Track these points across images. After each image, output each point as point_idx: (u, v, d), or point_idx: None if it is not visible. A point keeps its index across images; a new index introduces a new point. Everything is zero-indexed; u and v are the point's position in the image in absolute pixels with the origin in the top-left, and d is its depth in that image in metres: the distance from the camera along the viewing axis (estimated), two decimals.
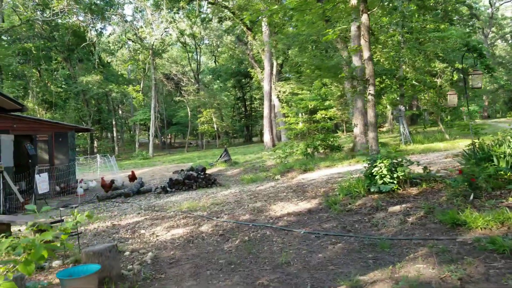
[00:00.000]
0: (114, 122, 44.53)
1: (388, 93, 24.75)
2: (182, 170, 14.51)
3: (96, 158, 22.72)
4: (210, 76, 55.47)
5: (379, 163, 7.49)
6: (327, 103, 14.74)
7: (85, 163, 27.94)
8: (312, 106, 14.19)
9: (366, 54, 7.90)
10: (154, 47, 38.98)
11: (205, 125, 44.47)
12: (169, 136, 61.14)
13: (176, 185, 13.26)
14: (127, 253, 6.11)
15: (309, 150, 14.21)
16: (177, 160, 29.81)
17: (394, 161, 7.69)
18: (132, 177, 16.89)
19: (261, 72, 36.21)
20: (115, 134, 44.90)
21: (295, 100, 15.03)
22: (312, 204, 7.91)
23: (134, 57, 43.25)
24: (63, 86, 43.15)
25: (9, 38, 38.67)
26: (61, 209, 6.37)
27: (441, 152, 13.94)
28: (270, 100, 27.58)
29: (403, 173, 7.48)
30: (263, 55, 32.00)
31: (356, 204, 7.20)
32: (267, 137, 27.29)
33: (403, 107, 17.31)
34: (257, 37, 32.72)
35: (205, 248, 6.03)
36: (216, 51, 57.23)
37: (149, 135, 39.72)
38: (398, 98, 18.84)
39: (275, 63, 33.42)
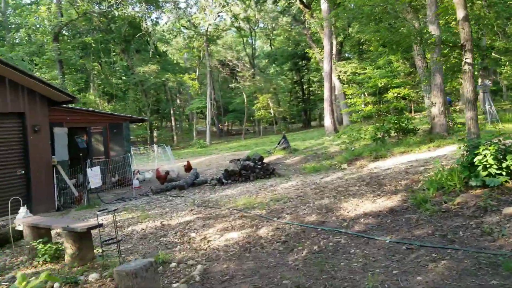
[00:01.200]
0: (172, 112, 44.88)
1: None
2: (238, 160, 13.50)
3: (154, 148, 22.47)
4: (266, 60, 54.16)
5: (483, 149, 5.83)
6: (397, 80, 12.91)
7: (145, 152, 28.11)
8: (383, 84, 12.43)
9: (461, 13, 6.20)
10: (208, 33, 38.37)
11: (262, 111, 43.42)
12: (226, 124, 61.00)
13: (232, 176, 12.27)
14: (173, 264, 5.11)
15: (379, 134, 12.52)
16: (234, 148, 29.10)
17: (501, 146, 6.00)
18: (188, 168, 16.24)
19: (320, 52, 34.26)
20: (173, 123, 45.32)
21: (362, 78, 13.30)
22: (394, 202, 6.44)
23: (189, 45, 43.02)
24: (122, 78, 44.14)
25: (69, 33, 40.05)
26: (97, 212, 5.48)
27: None
28: (331, 81, 25.75)
29: None
30: (322, 34, 30.02)
31: (455, 203, 5.64)
32: (328, 121, 25.56)
33: (489, 81, 14.90)
34: (315, 14, 30.80)
35: (265, 261, 4.85)
36: (271, 34, 55.63)
37: (206, 123, 39.46)
38: (480, 72, 16.37)
39: (334, 42, 31.35)
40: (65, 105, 13.04)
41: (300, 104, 56.37)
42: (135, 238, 6.69)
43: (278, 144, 19.19)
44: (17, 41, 37.46)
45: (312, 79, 58.03)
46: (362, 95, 13.77)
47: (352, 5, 22.16)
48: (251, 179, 12.20)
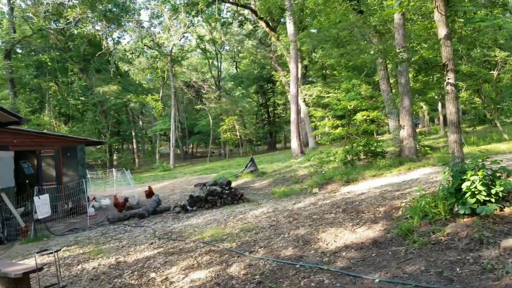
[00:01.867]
0: (134, 133, 43.38)
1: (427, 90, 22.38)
2: (204, 184, 12.73)
3: (113, 172, 21.21)
4: (232, 83, 53.94)
5: (471, 175, 5.44)
6: (365, 103, 12.70)
7: (103, 176, 26.60)
8: (352, 106, 12.16)
9: (443, 31, 5.93)
10: (172, 53, 37.69)
11: (228, 133, 42.87)
12: (191, 146, 59.83)
13: (197, 202, 11.45)
14: None
15: (348, 157, 12.16)
16: (199, 171, 28.16)
17: (488, 170, 5.64)
18: (149, 193, 15.28)
19: (286, 75, 34.38)
20: (135, 146, 43.75)
21: (330, 100, 13.00)
22: (376, 232, 5.90)
23: (152, 65, 42.10)
24: (80, 98, 42.37)
25: (24, 50, 38.17)
26: (36, 254, 4.58)
27: (506, 155, 11.68)
28: (297, 104, 25.60)
29: (502, 188, 5.42)
30: (288, 57, 30.12)
31: (445, 234, 5.16)
32: (294, 144, 25.27)
33: None
34: (281, 38, 30.93)
35: None
36: (237, 57, 55.74)
37: (170, 145, 38.30)
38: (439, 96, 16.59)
39: (299, 66, 31.53)
40: (12, 127, 11.88)
41: (266, 126, 56.27)
42: (84, 279, 5.75)
43: (246, 167, 18.55)
44: None
45: (277, 102, 58.26)
46: (330, 117, 13.43)
47: (317, 30, 22.27)
48: (218, 206, 11.43)
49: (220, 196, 11.64)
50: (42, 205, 10.19)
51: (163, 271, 5.60)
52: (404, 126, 12.39)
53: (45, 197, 10.33)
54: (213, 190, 11.63)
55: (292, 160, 23.31)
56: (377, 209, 7.15)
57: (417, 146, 13.09)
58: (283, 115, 58.50)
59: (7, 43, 31.11)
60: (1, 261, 5.18)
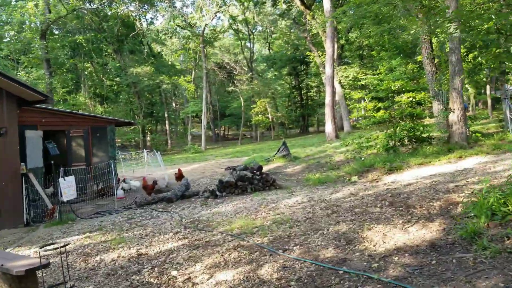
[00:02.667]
0: (166, 115, 43.38)
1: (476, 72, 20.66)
2: (234, 169, 12.09)
3: (144, 154, 20.99)
4: (264, 64, 52.83)
5: None
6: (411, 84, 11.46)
7: (136, 157, 26.57)
8: (397, 87, 11.03)
9: None
10: (205, 34, 37.03)
11: (259, 116, 42.10)
12: (222, 128, 59.60)
13: (227, 188, 10.83)
14: None
15: (391, 143, 11.12)
16: (230, 154, 27.67)
17: None
18: (179, 176, 14.84)
19: (321, 55, 33.05)
20: (167, 127, 43.79)
21: (371, 80, 11.90)
22: (433, 232, 5.03)
23: (185, 46, 41.65)
24: (115, 79, 42.65)
25: (60, 32, 38.55)
26: (39, 250, 4.04)
27: None
28: (333, 85, 24.42)
29: None
30: (324, 36, 28.81)
31: None
32: (329, 127, 24.22)
33: (511, 86, 13.64)
34: (316, 16, 29.56)
35: None
36: (270, 38, 54.42)
37: (201, 127, 38.00)
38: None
39: (336, 46, 30.09)
40: (40, 106, 11.59)
41: (298, 109, 55.07)
42: (100, 274, 5.22)
43: (278, 151, 17.79)
44: (6, 40, 35.95)
45: (310, 84, 56.81)
46: (368, 99, 12.33)
47: (356, 6, 20.90)
48: (249, 192, 10.78)
49: (251, 181, 10.97)
50: (67, 187, 9.86)
51: (186, 269, 4.98)
52: (454, 109, 11.19)
53: (71, 179, 9.99)
54: (243, 175, 10.97)
55: (326, 144, 22.35)
56: (431, 204, 6.23)
57: (467, 132, 11.86)
58: (316, 98, 57.06)
59: (42, 23, 31.32)
60: (5, 253, 4.71)
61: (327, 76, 24.09)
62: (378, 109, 11.75)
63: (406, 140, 11.01)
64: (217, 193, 10.71)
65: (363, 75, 35.05)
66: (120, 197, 13.11)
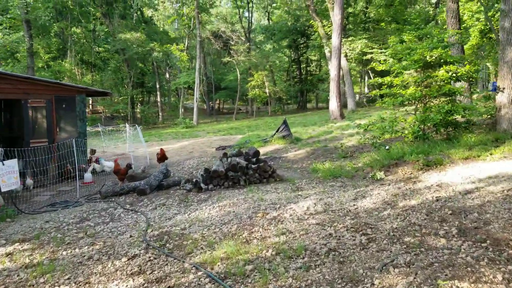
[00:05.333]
0: (158, 86, 40.62)
1: None
2: (225, 154, 9.79)
3: (126, 128, 18.60)
4: (263, 35, 49.71)
5: None
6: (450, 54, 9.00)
7: (121, 130, 24.15)
8: (434, 58, 8.62)
9: None
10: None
11: (256, 89, 39.52)
12: (217, 102, 56.91)
13: (215, 179, 8.58)
14: None
15: (423, 129, 8.81)
16: (223, 130, 25.32)
17: None
18: (161, 157, 12.59)
19: (324, 26, 30.31)
20: (159, 99, 41.12)
21: (400, 50, 9.46)
22: None
23: (178, 11, 38.51)
24: (104, 45, 39.64)
25: None
26: None
27: None
28: (340, 58, 21.86)
29: None
30: (330, 3, 26.04)
31: None
32: (333, 105, 21.86)
33: None
34: None
35: None
36: (269, 7, 51.11)
37: (194, 100, 35.42)
38: None
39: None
40: None
41: (297, 84, 52.38)
42: None
43: (277, 130, 15.49)
44: None
45: (311, 58, 53.94)
46: (396, 74, 9.93)
47: None
48: (241, 185, 8.55)
49: (245, 172, 8.72)
50: (7, 173, 7.56)
51: None
52: (503, 88, 8.89)
53: (12, 164, 7.67)
54: (235, 163, 8.70)
55: (331, 124, 20.07)
56: None
57: None
58: (316, 72, 54.35)
59: None
60: None
61: (334, 48, 21.52)
62: (408, 85, 9.36)
63: (441, 126, 8.72)
64: (202, 185, 8.47)
65: (370, 49, 32.47)
66: (87, 181, 10.89)
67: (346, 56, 28.92)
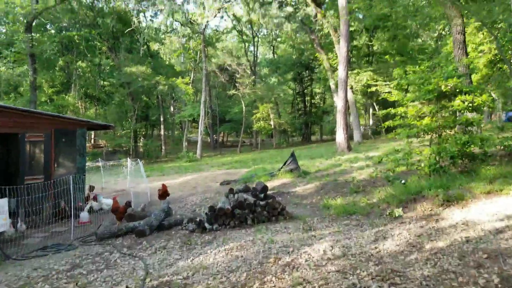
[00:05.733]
0: (162, 119, 40.52)
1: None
2: (231, 190, 9.23)
3: (127, 163, 18.14)
4: (268, 69, 50.08)
5: None
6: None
7: (124, 165, 23.72)
8: (449, 88, 8.17)
9: None
10: (206, 35, 34.36)
11: (261, 122, 39.29)
12: (222, 135, 56.74)
13: (220, 217, 7.99)
14: None
15: (440, 162, 8.26)
16: (227, 163, 24.80)
17: None
18: (163, 193, 12.08)
19: (330, 58, 30.36)
20: (162, 132, 40.92)
21: (413, 79, 9.06)
22: None
23: (184, 45, 38.94)
24: (108, 79, 39.88)
25: (51, 27, 35.84)
26: None
27: None
28: (346, 90, 21.58)
29: None
30: (335, 37, 26.12)
31: None
32: (340, 137, 21.40)
33: None
34: (327, 14, 26.89)
35: None
36: (274, 41, 51.77)
37: (198, 133, 35.13)
38: None
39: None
40: None
41: (302, 116, 52.29)
42: None
43: (284, 164, 14.95)
44: None
45: (315, 91, 54.12)
46: (415, 102, 9.49)
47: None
48: (249, 224, 7.96)
49: (253, 209, 8.14)
50: None
51: None
52: None
53: (1, 203, 7.15)
54: (242, 200, 8.13)
55: (338, 156, 19.51)
56: None
57: None
58: (321, 105, 54.36)
59: (28, 14, 28.59)
60: None
61: (340, 80, 21.30)
62: (422, 116, 8.89)
63: (458, 158, 8.17)
64: (206, 225, 7.87)
65: (374, 81, 32.37)
66: (83, 221, 10.31)
67: (351, 88, 28.74)
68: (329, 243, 5.64)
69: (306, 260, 5.02)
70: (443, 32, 34.92)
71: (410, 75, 9.68)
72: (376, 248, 5.14)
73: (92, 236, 8.47)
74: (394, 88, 31.15)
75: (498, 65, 13.19)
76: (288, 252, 5.49)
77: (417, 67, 10.30)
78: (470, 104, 8.34)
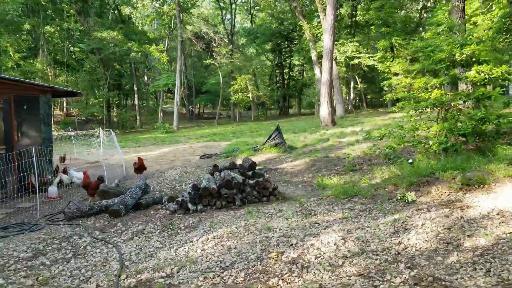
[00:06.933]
0: (136, 88, 38.66)
1: None
2: (215, 166, 8.29)
3: (100, 133, 16.83)
4: (245, 38, 48.37)
5: None
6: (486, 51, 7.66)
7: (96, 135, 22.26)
8: (465, 56, 7.35)
9: None
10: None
11: (240, 94, 38.11)
12: (198, 106, 55.17)
13: (204, 197, 7.08)
14: None
15: (451, 140, 7.52)
16: (206, 136, 23.77)
17: None
18: (139, 167, 11.13)
19: (314, 27, 29.24)
20: (136, 102, 39.17)
21: (420, 46, 8.19)
22: None
23: (158, 10, 36.78)
24: (78, 45, 37.46)
25: None
26: None
27: None
28: (332, 60, 20.67)
29: None
30: (320, 4, 24.94)
31: None
32: (324, 111, 20.63)
33: None
34: None
35: None
36: (253, 10, 49.85)
37: (174, 104, 33.69)
38: None
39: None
40: None
41: (280, 89, 51.26)
42: None
43: (269, 138, 14.07)
44: None
45: (294, 63, 52.96)
46: (415, 74, 8.71)
47: None
48: (237, 205, 7.10)
49: (241, 189, 7.27)
50: None
51: None
52: None
53: None
54: (230, 179, 7.22)
55: (323, 131, 18.82)
56: None
57: None
58: (300, 78, 53.39)
59: None
60: None
61: (326, 49, 20.32)
62: (432, 87, 8.07)
63: (472, 136, 7.45)
64: (189, 205, 6.96)
65: (358, 53, 31.56)
66: (52, 196, 9.24)
67: (335, 59, 27.87)
68: (339, 234, 4.84)
69: (316, 257, 4.20)
70: (429, 4, 34.21)
71: (416, 42, 8.80)
72: (400, 243, 4.36)
73: (60, 214, 7.42)
74: (378, 61, 30.59)
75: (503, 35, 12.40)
76: (292, 245, 4.66)
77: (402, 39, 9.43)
78: (487, 76, 7.56)
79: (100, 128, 17.16)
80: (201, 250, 4.83)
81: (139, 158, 11.25)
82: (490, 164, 6.74)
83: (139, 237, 5.72)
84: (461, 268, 3.60)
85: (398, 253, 4.08)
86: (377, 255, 4.07)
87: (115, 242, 5.60)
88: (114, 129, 26.34)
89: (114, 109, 39.54)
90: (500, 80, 7.52)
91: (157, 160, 14.61)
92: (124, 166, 12.47)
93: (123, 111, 38.31)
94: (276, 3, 46.11)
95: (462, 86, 10.84)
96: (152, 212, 7.18)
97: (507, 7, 15.04)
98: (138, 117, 38.68)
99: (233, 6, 46.39)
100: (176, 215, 6.82)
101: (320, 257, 4.19)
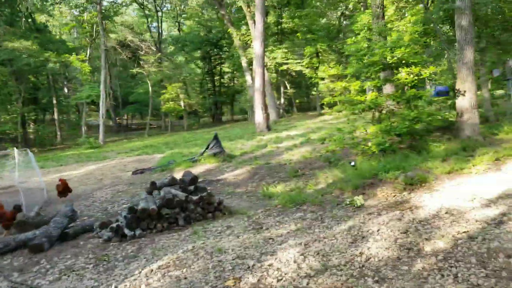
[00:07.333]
0: (55, 101, 35.81)
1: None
2: (153, 183, 7.55)
3: (14, 153, 15.04)
4: (174, 46, 47.21)
5: None
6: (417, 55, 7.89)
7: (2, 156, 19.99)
8: (396, 59, 7.48)
9: None
10: (102, 4, 30.66)
11: (170, 102, 36.94)
12: (126, 117, 52.68)
13: (144, 220, 6.38)
14: None
15: (387, 140, 7.61)
16: (136, 149, 22.46)
17: None
18: (64, 189, 10.02)
19: (243, 34, 29.20)
20: (56, 117, 36.29)
21: (357, 51, 8.23)
22: None
23: (79, 17, 34.53)
24: None
25: None
26: None
27: None
28: (263, 66, 20.66)
29: None
30: (248, 12, 24.92)
31: None
32: (259, 117, 20.49)
33: None
34: None
35: None
36: (179, 18, 48.85)
37: (99, 116, 31.67)
38: None
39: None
40: None
41: (211, 96, 50.70)
42: None
43: (207, 147, 13.50)
44: None
45: (224, 70, 52.74)
46: (349, 78, 8.74)
47: None
48: (180, 225, 6.49)
49: (184, 206, 6.67)
50: None
51: None
52: (464, 91, 8.12)
53: None
54: (171, 197, 6.58)
55: (259, 137, 18.62)
56: None
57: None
58: (231, 84, 53.26)
59: None
60: None
61: (257, 56, 20.24)
62: (363, 91, 8.14)
63: (406, 135, 7.60)
64: (126, 231, 6.21)
65: (286, 59, 32.09)
66: None
67: (266, 66, 28.02)
68: (296, 250, 4.46)
69: (278, 280, 3.78)
70: (347, 12, 35.83)
71: (349, 46, 8.85)
72: (361, 253, 4.09)
73: None
74: (306, 66, 31.38)
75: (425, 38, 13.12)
76: (249, 267, 4.19)
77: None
78: (416, 77, 7.75)
79: (15, 147, 15.35)
80: (146, 286, 4.18)
81: (61, 180, 10.13)
82: (426, 162, 6.88)
83: (69, 276, 4.89)
84: (429, 277, 3.39)
85: (363, 266, 3.80)
86: (341, 270, 3.75)
87: (39, 285, 4.74)
88: (31, 148, 24.05)
89: (31, 126, 36.28)
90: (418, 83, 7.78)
91: (83, 179, 13.35)
92: (45, 190, 11.15)
93: (40, 127, 35.27)
94: (203, 11, 45.65)
95: (386, 89, 11.22)
96: (82, 243, 6.30)
97: (420, 13, 15.95)
98: (58, 133, 35.81)
99: (159, 14, 45.08)
100: (111, 243, 6.04)
101: (282, 279, 3.77)
